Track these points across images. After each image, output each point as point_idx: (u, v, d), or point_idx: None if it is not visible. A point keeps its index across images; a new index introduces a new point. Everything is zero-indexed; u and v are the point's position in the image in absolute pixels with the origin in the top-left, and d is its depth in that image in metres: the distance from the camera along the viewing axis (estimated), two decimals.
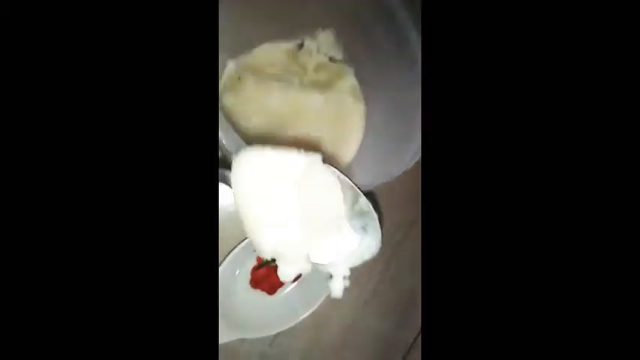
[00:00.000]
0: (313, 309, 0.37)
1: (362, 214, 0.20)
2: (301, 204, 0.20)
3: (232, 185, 0.19)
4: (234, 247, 0.34)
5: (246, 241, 0.34)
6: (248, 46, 0.32)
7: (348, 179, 0.20)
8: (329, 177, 0.20)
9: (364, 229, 0.21)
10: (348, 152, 0.32)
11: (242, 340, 0.35)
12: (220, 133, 0.19)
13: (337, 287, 0.22)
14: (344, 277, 0.22)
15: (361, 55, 0.31)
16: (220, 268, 0.34)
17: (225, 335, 0.33)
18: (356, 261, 0.21)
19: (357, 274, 0.38)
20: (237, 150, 0.19)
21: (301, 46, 0.33)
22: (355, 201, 0.21)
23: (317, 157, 0.20)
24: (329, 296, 0.30)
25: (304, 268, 0.21)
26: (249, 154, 0.19)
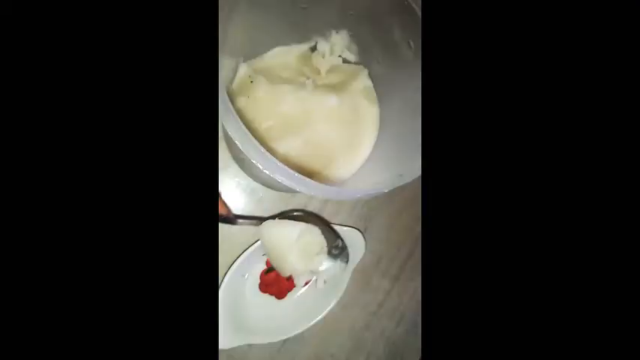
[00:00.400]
0: (323, 314, 0.36)
1: (337, 248, 0.37)
2: (300, 246, 0.35)
3: (260, 237, 0.35)
4: (244, 251, 0.34)
5: (255, 245, 0.34)
6: (260, 49, 0.32)
7: (332, 228, 0.38)
8: (316, 232, 0.36)
9: (337, 257, 0.37)
10: (360, 155, 0.32)
11: (250, 346, 0.34)
12: (234, 133, 0.19)
13: (320, 284, 0.40)
14: (324, 281, 0.40)
15: (376, 56, 0.31)
16: (229, 272, 0.34)
17: (233, 340, 0.33)
18: (332, 273, 0.38)
19: (368, 278, 0.38)
20: (247, 149, 0.19)
21: (314, 48, 0.33)
22: (335, 240, 0.37)
23: (311, 227, 0.35)
24: (339, 301, 0.38)
25: (307, 277, 0.38)
26: (270, 224, 0.34)
